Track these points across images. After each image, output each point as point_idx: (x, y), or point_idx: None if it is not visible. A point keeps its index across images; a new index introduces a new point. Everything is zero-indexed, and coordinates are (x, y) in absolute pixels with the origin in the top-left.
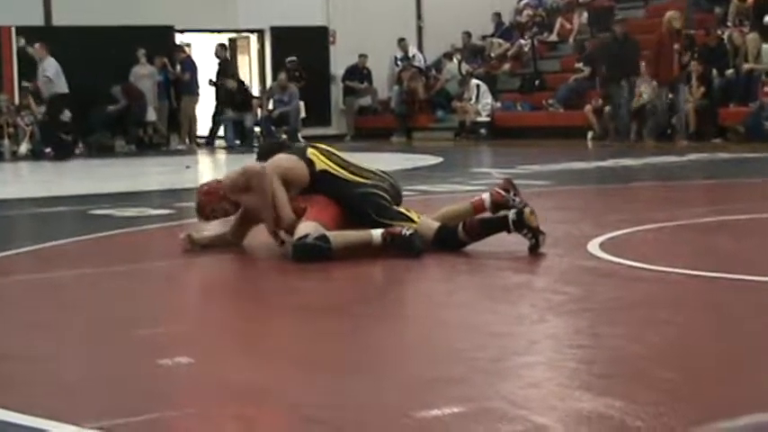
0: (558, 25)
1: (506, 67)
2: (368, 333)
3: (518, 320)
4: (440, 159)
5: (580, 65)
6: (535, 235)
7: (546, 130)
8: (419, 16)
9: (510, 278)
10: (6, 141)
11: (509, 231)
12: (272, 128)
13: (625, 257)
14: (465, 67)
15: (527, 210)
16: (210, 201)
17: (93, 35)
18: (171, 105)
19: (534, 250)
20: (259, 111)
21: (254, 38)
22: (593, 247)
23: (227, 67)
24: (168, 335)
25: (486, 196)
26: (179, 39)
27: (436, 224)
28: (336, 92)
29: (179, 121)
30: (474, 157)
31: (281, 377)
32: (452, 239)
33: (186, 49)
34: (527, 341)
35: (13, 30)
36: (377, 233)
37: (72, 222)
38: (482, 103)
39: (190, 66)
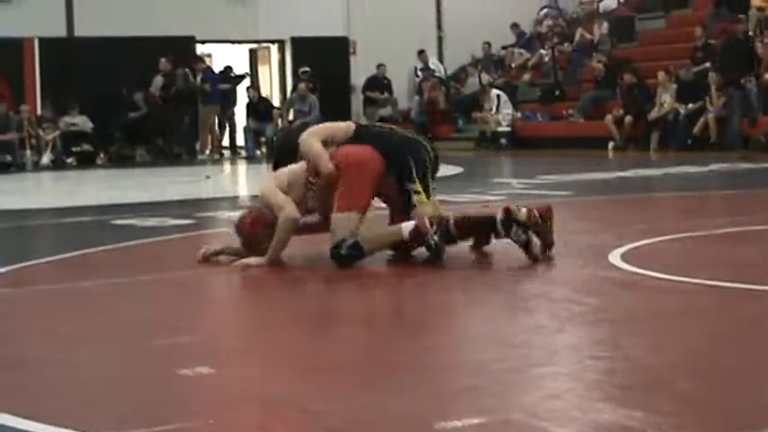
0: (578, 35)
1: (527, 77)
2: (388, 344)
3: (538, 331)
4: (460, 169)
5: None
6: (526, 231)
7: (566, 140)
8: (439, 27)
9: (529, 289)
10: (28, 152)
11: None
12: None
13: (646, 268)
14: (485, 77)
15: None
16: (256, 233)
17: (114, 46)
18: (192, 115)
19: (529, 251)
20: (280, 121)
21: (274, 48)
22: (614, 257)
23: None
24: (189, 344)
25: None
26: (200, 49)
27: (444, 214)
28: (357, 102)
29: (199, 130)
30: (494, 168)
31: (301, 387)
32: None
33: (206, 59)
34: (547, 352)
35: (36, 41)
36: (407, 228)
37: (94, 232)
38: (502, 114)
39: (210, 76)
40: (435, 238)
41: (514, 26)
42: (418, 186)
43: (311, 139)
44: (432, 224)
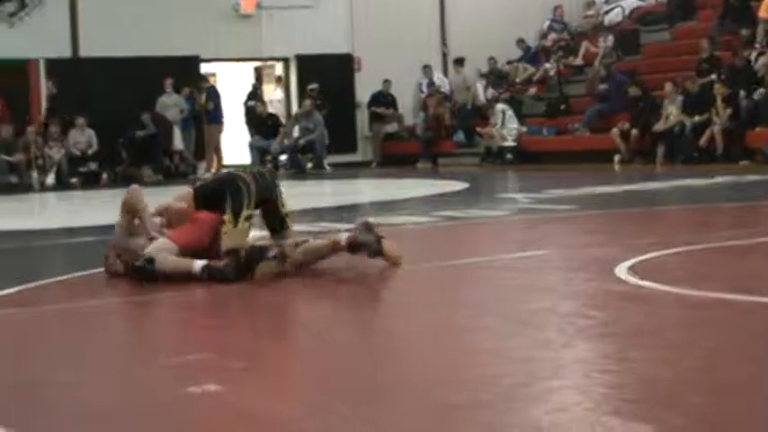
0: (583, 49)
1: (532, 91)
2: (391, 359)
3: (544, 345)
4: (466, 185)
5: None
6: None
7: (572, 154)
8: (444, 42)
9: (536, 302)
10: (35, 173)
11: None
12: (299, 155)
13: (654, 281)
14: (490, 92)
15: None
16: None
17: (119, 66)
18: (197, 134)
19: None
20: (285, 139)
21: (279, 66)
22: (621, 270)
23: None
24: (196, 362)
25: (342, 237)
26: (204, 68)
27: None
28: (362, 118)
29: (205, 149)
30: (500, 183)
31: (307, 404)
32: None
33: (210, 78)
34: (554, 366)
35: (42, 62)
36: (198, 265)
37: (99, 252)
38: (508, 128)
39: (214, 95)
40: (226, 269)
41: (520, 41)
42: (227, 217)
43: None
44: (228, 254)
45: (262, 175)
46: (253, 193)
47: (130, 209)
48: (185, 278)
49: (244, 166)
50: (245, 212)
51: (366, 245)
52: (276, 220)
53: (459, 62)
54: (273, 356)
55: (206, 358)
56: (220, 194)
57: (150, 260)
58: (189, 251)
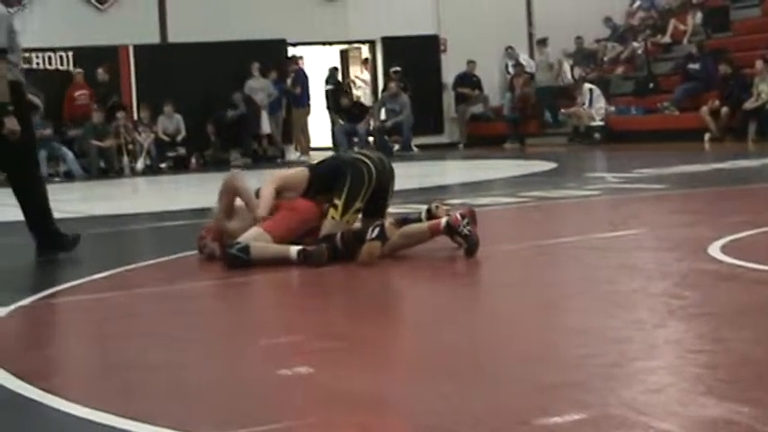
0: (671, 27)
1: (619, 70)
2: (483, 340)
3: (637, 325)
4: (554, 165)
5: None
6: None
7: (661, 134)
8: (530, 23)
9: (627, 283)
10: (126, 158)
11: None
12: (386, 137)
13: (747, 260)
14: (578, 71)
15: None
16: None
17: (207, 51)
18: (285, 117)
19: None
20: (372, 121)
21: (365, 48)
22: (714, 250)
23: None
24: (287, 344)
25: (443, 221)
26: (291, 52)
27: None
28: (448, 100)
29: (291, 132)
30: (588, 162)
31: (398, 386)
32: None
33: (299, 61)
34: (647, 346)
35: (131, 48)
36: (293, 250)
37: (192, 236)
38: (595, 108)
39: (301, 78)
40: (468, 228)
41: (608, 20)
42: (339, 202)
43: (268, 184)
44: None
45: (382, 162)
46: (374, 179)
47: (233, 191)
48: (281, 260)
49: (361, 151)
50: (357, 204)
51: (468, 240)
52: (378, 208)
53: (543, 42)
54: (364, 339)
55: (298, 340)
56: (341, 175)
57: (245, 249)
58: (282, 241)
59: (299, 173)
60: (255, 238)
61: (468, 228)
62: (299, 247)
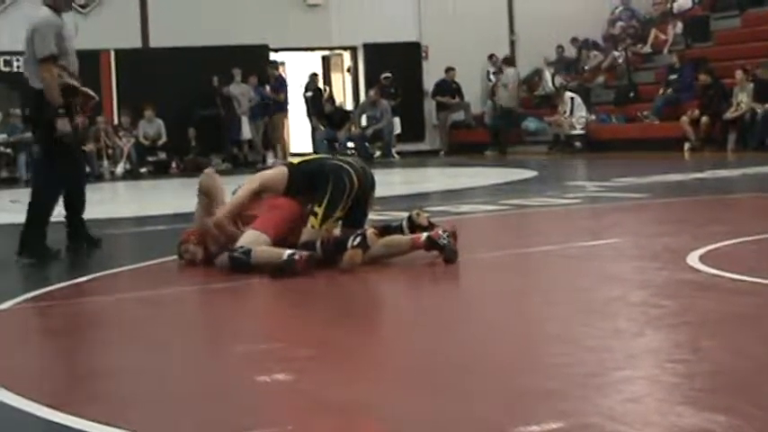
0: (652, 36)
1: (600, 79)
2: (462, 347)
3: (615, 334)
4: (534, 173)
5: None
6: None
7: (641, 143)
8: (512, 30)
9: (606, 292)
10: (106, 162)
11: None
12: (366, 144)
13: (726, 270)
14: (558, 79)
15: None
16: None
17: (188, 56)
18: (266, 123)
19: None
20: (352, 127)
21: (347, 55)
22: (693, 259)
23: (319, 95)
24: (267, 351)
25: (424, 235)
26: (273, 57)
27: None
28: (429, 107)
29: (270, 137)
30: (568, 171)
31: (377, 393)
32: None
33: (279, 67)
34: (625, 355)
35: (112, 53)
36: (286, 253)
37: (170, 241)
38: (576, 116)
39: (282, 84)
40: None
41: (574, 40)
42: (319, 210)
43: (247, 186)
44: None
45: (365, 171)
46: (355, 188)
47: (206, 191)
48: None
49: (343, 157)
50: (337, 213)
51: (445, 249)
52: (358, 218)
53: (508, 61)
54: (343, 346)
55: (277, 347)
56: (323, 181)
57: (247, 252)
58: (276, 239)
59: (279, 173)
60: (255, 241)
61: (448, 239)
62: (291, 251)
